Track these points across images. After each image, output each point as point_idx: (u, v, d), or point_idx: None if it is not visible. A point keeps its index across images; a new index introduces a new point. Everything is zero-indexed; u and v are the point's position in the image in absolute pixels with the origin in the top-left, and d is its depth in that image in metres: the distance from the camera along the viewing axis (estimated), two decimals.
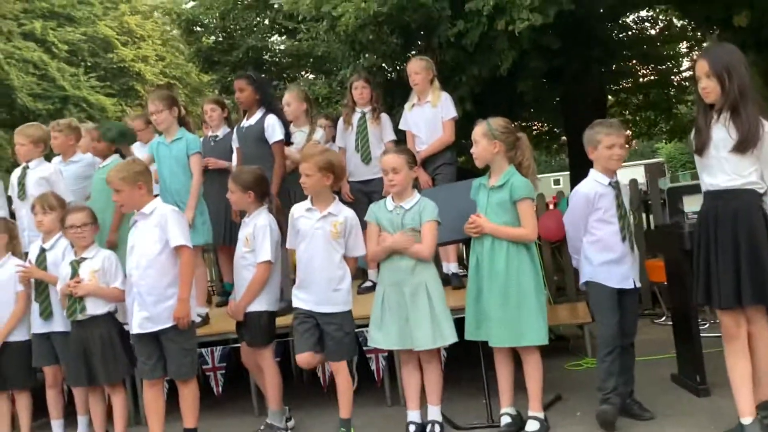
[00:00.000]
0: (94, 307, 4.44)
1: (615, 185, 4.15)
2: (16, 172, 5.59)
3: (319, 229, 4.26)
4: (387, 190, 4.37)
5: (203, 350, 5.10)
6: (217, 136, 6.25)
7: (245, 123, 5.71)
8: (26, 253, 4.99)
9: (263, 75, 9.93)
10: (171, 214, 4.28)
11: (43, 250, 4.80)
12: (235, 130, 5.92)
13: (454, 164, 5.83)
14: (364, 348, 4.86)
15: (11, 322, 4.79)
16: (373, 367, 5.02)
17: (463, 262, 7.03)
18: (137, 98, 24.54)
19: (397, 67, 8.26)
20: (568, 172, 12.59)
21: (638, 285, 4.24)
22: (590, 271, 4.16)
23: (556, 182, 36.35)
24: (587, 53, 9.33)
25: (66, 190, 5.34)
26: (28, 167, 5.51)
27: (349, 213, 4.36)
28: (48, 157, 5.81)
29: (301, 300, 4.31)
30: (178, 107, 5.55)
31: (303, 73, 12.46)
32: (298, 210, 4.37)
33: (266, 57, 12.12)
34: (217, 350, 5.19)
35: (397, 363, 4.80)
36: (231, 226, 5.69)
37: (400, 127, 5.95)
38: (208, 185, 5.94)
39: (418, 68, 5.70)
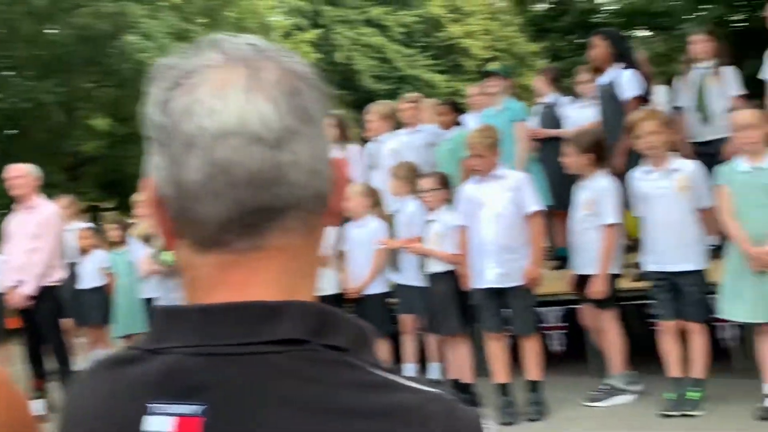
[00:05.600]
0: (435, 266, 4.85)
1: None
2: (369, 145, 6.31)
3: (664, 187, 4.16)
4: (741, 148, 4.09)
5: (542, 309, 5.28)
6: (547, 103, 6.32)
7: (600, 81, 5.60)
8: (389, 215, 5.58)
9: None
10: (527, 180, 4.53)
11: (394, 212, 5.36)
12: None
13: None
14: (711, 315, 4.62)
15: (369, 276, 5.42)
16: (722, 335, 4.76)
17: None
18: (464, 73, 25.58)
19: (751, 15, 7.52)
20: None
21: None
22: None
23: None
24: None
25: (413, 159, 5.85)
26: (380, 140, 6.19)
27: (693, 164, 4.24)
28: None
29: (653, 263, 4.27)
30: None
31: (637, 30, 11.93)
32: (636, 175, 4.32)
33: (596, 18, 11.83)
34: (555, 310, 5.33)
35: (747, 332, 4.49)
36: (566, 192, 5.73)
37: (760, 76, 5.37)
38: (542, 151, 6.11)
39: None
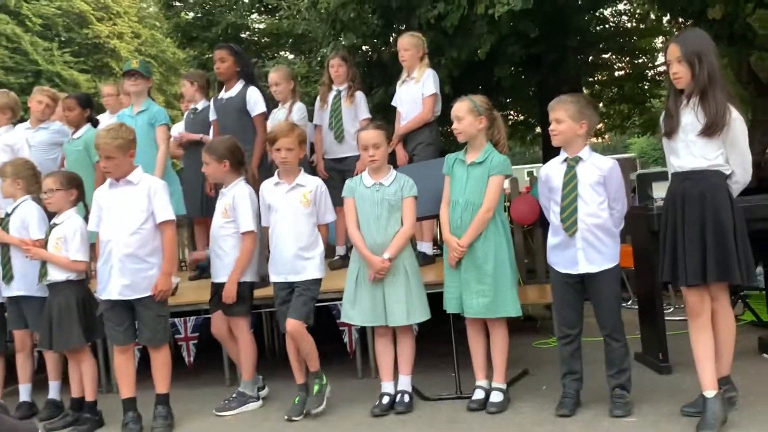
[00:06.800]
0: (55, 274, 4.42)
1: (569, 167, 3.92)
2: None
3: (290, 200, 4.33)
4: (366, 165, 4.42)
5: (176, 320, 5.13)
6: (196, 109, 6.24)
7: (224, 95, 5.72)
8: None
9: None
10: (161, 188, 4.29)
11: (6, 215, 4.78)
12: (212, 102, 5.92)
13: (435, 144, 5.69)
14: (337, 321, 4.91)
15: None
16: (346, 339, 5.09)
17: (437, 242, 7.11)
18: (111, 75, 24.22)
19: (378, 48, 8.29)
20: (541, 164, 12.66)
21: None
22: (547, 254, 4.14)
23: (530, 174, 36.62)
24: (564, 42, 9.45)
25: (31, 158, 5.27)
26: None
27: (317, 181, 4.45)
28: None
29: (275, 273, 4.38)
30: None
31: (282, 52, 12.44)
32: (267, 186, 4.44)
33: (245, 35, 12.06)
34: (190, 320, 5.22)
35: (369, 336, 4.87)
36: (207, 199, 5.69)
37: (392, 104, 5.95)
38: (186, 158, 6.01)
39: (407, 44, 5.66)
